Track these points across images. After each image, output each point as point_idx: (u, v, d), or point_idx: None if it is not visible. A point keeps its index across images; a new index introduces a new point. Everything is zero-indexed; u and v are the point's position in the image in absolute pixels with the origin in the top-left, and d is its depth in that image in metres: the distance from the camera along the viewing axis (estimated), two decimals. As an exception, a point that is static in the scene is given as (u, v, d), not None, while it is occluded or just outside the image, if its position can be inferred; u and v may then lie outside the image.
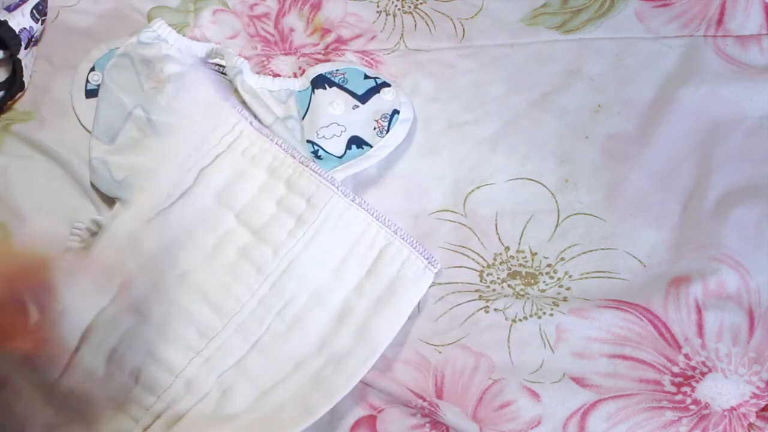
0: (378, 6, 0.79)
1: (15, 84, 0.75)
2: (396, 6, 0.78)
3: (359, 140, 0.69)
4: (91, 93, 0.74)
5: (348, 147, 0.69)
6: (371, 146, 0.69)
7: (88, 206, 0.71)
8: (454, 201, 0.69)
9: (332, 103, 0.71)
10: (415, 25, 0.77)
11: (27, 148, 0.74)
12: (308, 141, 0.69)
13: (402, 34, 0.77)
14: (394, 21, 0.77)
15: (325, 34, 0.78)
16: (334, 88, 0.71)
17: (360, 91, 0.71)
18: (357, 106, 0.71)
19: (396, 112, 0.70)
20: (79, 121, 0.73)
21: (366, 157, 0.69)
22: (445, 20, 0.77)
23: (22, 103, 0.77)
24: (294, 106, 0.71)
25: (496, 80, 0.74)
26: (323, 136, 0.69)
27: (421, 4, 0.78)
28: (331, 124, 0.70)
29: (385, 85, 0.72)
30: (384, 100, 0.71)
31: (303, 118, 0.71)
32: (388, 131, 0.70)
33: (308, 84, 0.73)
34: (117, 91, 0.70)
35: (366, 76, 0.72)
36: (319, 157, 0.68)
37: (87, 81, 0.75)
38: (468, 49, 0.76)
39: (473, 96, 0.73)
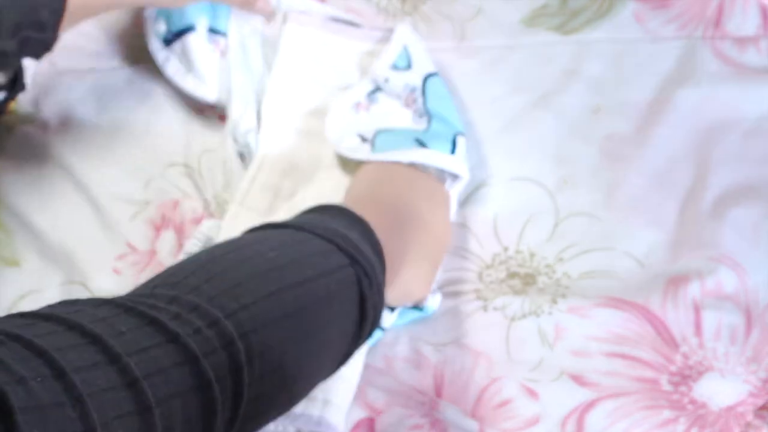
0: (378, 6, 0.79)
1: (17, 85, 0.76)
2: (396, 7, 0.78)
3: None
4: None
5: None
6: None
7: (88, 207, 0.72)
8: (453, 201, 0.69)
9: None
10: (416, 26, 0.77)
11: (28, 150, 0.74)
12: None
13: (402, 35, 0.77)
14: (394, 22, 0.77)
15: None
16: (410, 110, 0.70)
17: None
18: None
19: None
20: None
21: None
22: (445, 21, 0.77)
23: (24, 105, 0.77)
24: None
25: (495, 81, 0.74)
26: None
27: (422, 5, 0.78)
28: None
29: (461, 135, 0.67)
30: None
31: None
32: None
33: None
34: None
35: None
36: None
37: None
38: (468, 50, 0.76)
39: (473, 97, 0.73)
